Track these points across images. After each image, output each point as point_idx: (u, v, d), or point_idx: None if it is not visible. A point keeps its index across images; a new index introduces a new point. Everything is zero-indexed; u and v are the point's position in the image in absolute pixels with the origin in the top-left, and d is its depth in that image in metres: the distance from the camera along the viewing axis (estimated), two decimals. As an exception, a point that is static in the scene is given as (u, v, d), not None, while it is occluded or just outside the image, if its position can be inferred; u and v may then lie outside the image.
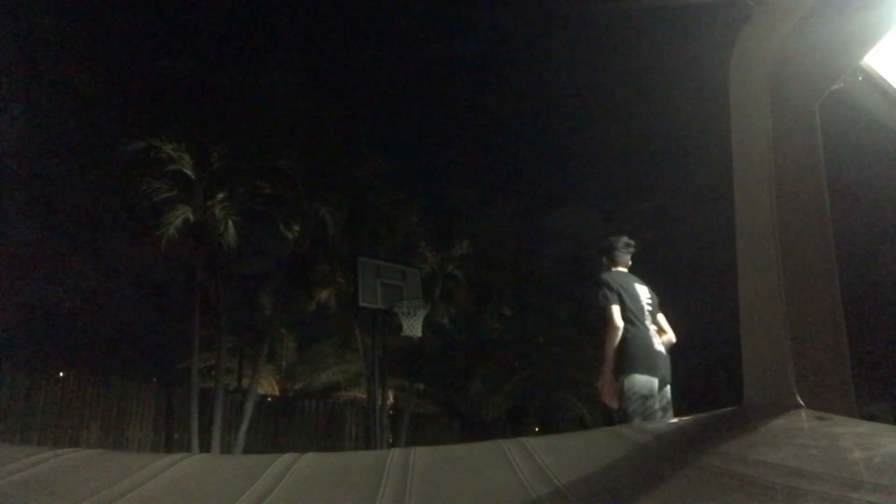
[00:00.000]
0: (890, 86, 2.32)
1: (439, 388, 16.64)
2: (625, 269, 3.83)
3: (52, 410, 10.74)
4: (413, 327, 11.34)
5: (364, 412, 14.77)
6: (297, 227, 13.48)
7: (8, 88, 10.28)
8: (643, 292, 3.71)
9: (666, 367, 3.53)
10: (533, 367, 16.83)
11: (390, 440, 13.84)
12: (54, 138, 11.82)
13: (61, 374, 11.42)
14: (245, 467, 2.10)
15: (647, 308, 3.67)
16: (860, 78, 2.30)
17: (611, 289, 3.60)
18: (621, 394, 3.38)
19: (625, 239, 3.88)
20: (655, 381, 3.41)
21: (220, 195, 12.46)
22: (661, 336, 3.67)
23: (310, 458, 2.21)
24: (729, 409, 2.15)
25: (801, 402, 1.86)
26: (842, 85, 2.26)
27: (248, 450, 11.76)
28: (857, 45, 2.17)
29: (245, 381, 14.73)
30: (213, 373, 13.55)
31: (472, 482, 1.87)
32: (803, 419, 1.79)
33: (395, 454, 2.06)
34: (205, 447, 11.28)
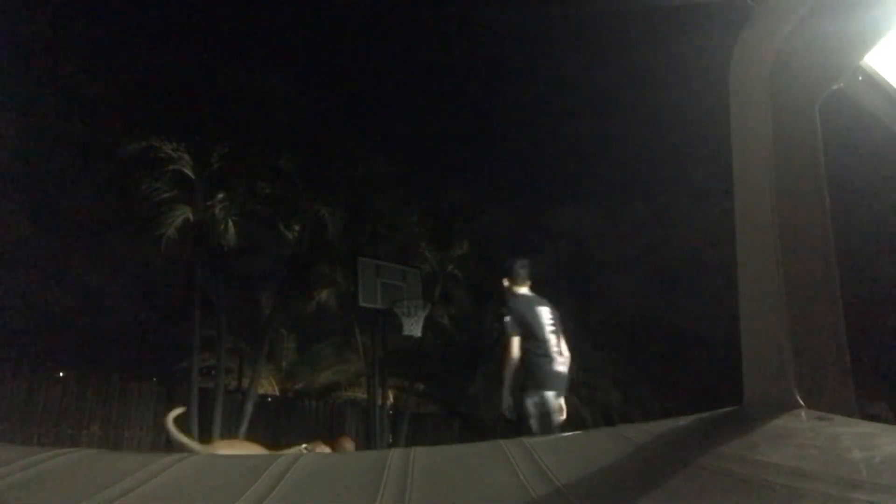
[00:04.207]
0: (890, 86, 2.32)
1: (439, 388, 16.64)
2: (526, 289, 4.22)
3: (52, 410, 10.74)
4: (413, 327, 11.35)
5: (364, 412, 14.77)
6: (297, 227, 13.48)
7: (8, 88, 10.27)
8: (545, 313, 4.09)
9: (564, 383, 4.03)
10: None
11: (390, 440, 13.84)
12: (54, 138, 11.81)
13: (61, 374, 11.42)
14: (245, 467, 2.10)
15: (550, 328, 4.05)
16: (860, 78, 2.30)
17: (514, 318, 3.99)
18: (533, 406, 3.86)
19: (521, 260, 4.31)
20: (554, 394, 3.89)
21: (220, 195, 12.46)
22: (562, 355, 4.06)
23: (310, 458, 2.21)
24: (729, 409, 2.14)
25: (801, 402, 1.86)
26: (842, 85, 2.26)
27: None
28: (857, 45, 2.17)
29: (245, 381, 14.74)
30: (213, 373, 13.54)
31: (472, 482, 1.87)
32: (803, 419, 1.79)
33: (395, 454, 2.06)
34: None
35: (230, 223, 12.43)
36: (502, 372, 3.97)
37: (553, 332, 4.06)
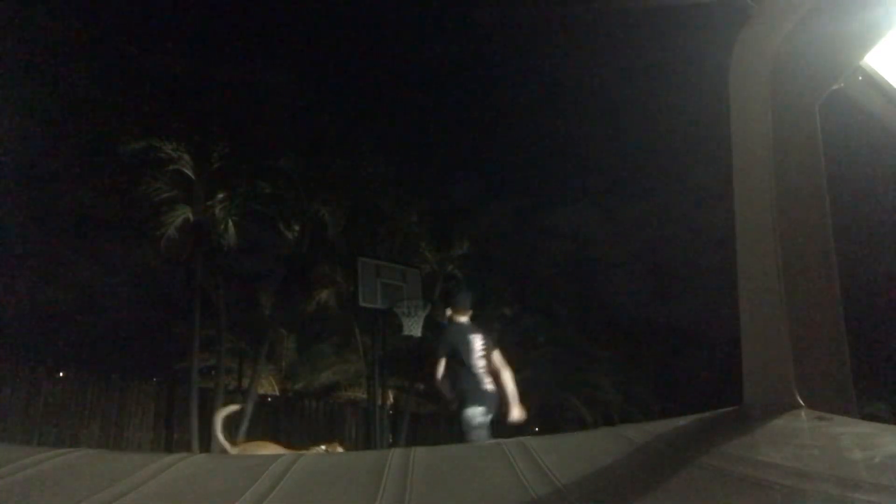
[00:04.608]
0: (890, 86, 2.32)
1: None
2: (464, 318, 4.86)
3: (52, 410, 10.73)
4: (413, 327, 11.33)
5: (364, 412, 14.76)
6: (297, 227, 13.48)
7: (8, 88, 10.27)
8: (476, 340, 4.71)
9: (492, 400, 4.57)
10: (533, 367, 16.85)
11: (390, 440, 13.84)
12: (54, 138, 11.81)
13: (61, 373, 11.42)
14: (245, 467, 2.10)
15: (480, 354, 4.66)
16: (860, 78, 2.30)
17: (444, 344, 4.70)
18: (467, 420, 4.43)
19: (463, 294, 5.06)
20: (481, 410, 4.46)
21: (220, 195, 12.46)
22: (501, 373, 4.68)
23: (310, 458, 2.21)
24: (729, 409, 2.14)
25: (801, 402, 1.86)
26: (842, 85, 2.26)
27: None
28: (857, 45, 2.17)
29: (245, 381, 14.73)
30: (213, 373, 13.55)
31: (472, 482, 1.87)
32: (803, 419, 1.79)
33: (395, 454, 2.06)
34: (205, 447, 11.27)
35: (230, 223, 12.43)
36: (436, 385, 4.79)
37: (482, 356, 4.67)
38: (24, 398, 10.43)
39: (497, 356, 4.73)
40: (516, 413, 4.61)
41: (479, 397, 4.49)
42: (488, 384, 4.58)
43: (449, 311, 5.00)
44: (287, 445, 6.36)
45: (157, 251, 12.08)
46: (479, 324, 4.96)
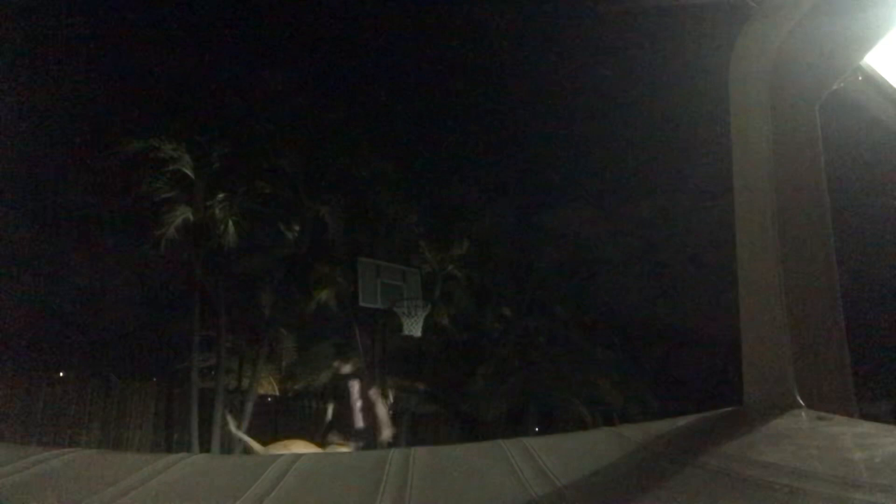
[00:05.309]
0: (890, 86, 2.32)
1: (439, 388, 16.63)
2: (347, 368, 6.16)
3: (52, 410, 10.73)
4: (413, 327, 11.35)
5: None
6: (297, 227, 13.48)
7: (8, 88, 10.27)
8: (354, 386, 5.90)
9: (366, 433, 5.77)
10: (533, 367, 16.83)
11: (390, 440, 13.82)
12: (54, 138, 11.81)
13: (61, 374, 11.42)
14: (245, 467, 2.10)
15: (357, 396, 5.82)
16: (860, 78, 2.30)
17: (329, 392, 5.91)
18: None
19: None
20: (353, 446, 5.61)
21: (220, 195, 12.46)
22: (375, 406, 5.87)
23: (310, 458, 2.22)
24: (729, 409, 2.14)
25: (801, 402, 1.86)
26: (842, 85, 2.26)
27: (248, 450, 11.74)
28: (857, 45, 2.17)
29: (245, 381, 14.73)
30: (213, 373, 13.54)
31: (472, 482, 1.87)
32: (803, 419, 1.79)
33: (395, 454, 2.06)
34: (205, 447, 11.28)
35: (230, 223, 12.43)
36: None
37: (359, 398, 5.80)
38: (23, 398, 10.43)
39: (373, 392, 6.02)
40: (384, 434, 5.92)
41: (353, 433, 5.74)
42: (359, 421, 5.79)
43: (336, 364, 6.37)
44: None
45: (157, 251, 12.09)
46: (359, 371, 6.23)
